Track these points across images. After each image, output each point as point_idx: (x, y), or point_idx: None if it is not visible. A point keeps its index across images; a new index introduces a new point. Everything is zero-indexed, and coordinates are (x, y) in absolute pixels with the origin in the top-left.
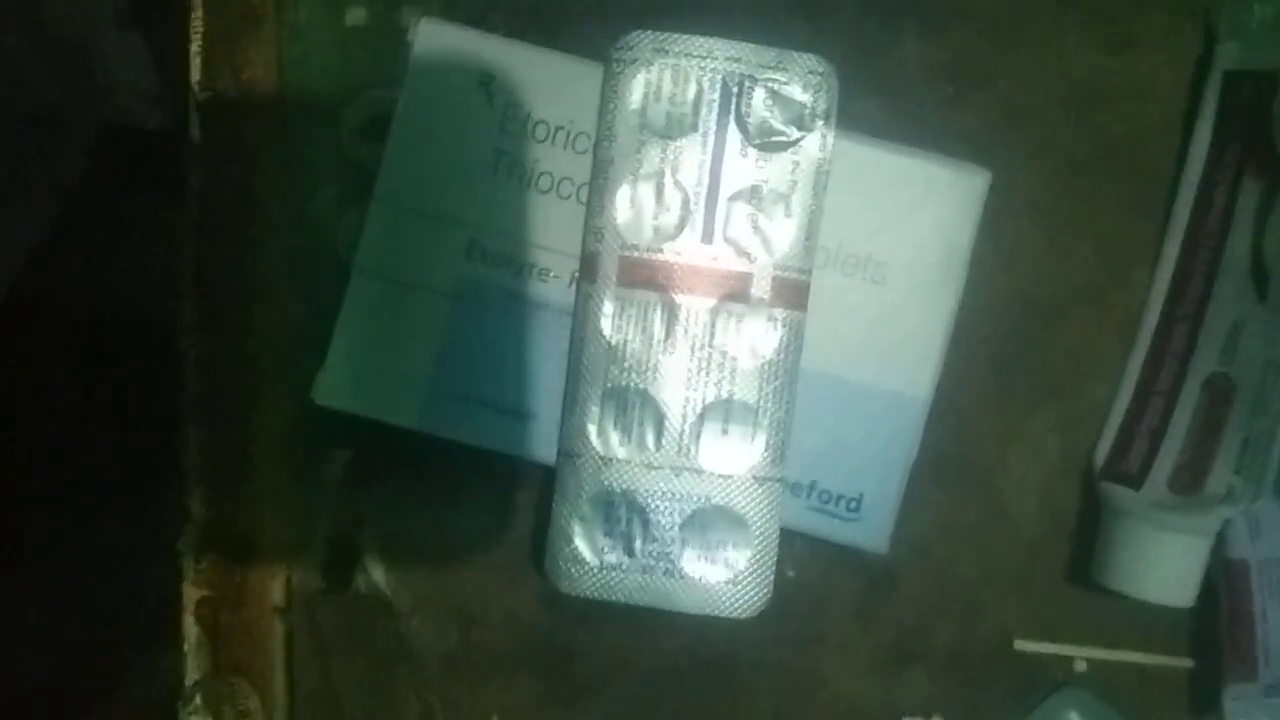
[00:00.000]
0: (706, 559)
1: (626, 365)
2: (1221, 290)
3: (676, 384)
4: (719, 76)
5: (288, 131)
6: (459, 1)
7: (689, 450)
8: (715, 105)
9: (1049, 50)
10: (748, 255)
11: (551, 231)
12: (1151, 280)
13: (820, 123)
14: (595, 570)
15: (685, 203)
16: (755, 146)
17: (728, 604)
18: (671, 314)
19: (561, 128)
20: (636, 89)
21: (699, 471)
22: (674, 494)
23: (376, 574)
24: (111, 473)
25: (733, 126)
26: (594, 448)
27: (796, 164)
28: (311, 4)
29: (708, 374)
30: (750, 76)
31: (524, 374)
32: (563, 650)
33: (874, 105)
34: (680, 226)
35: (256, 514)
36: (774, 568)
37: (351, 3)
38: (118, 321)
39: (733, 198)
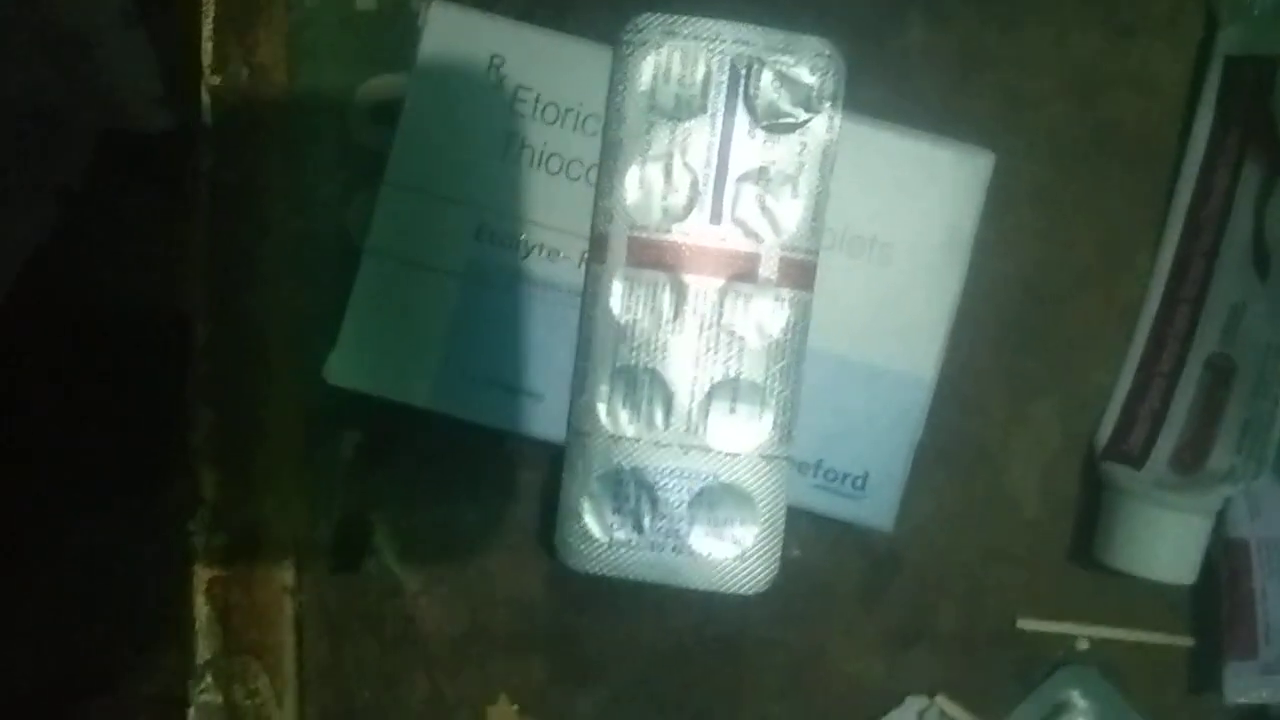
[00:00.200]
0: (714, 536)
1: (635, 344)
2: (1223, 272)
3: (685, 363)
4: (727, 59)
5: (298, 115)
6: None
7: (697, 428)
8: (724, 87)
9: (1052, 36)
10: (755, 236)
11: (561, 212)
12: (1153, 263)
13: (827, 105)
14: (604, 547)
15: (694, 184)
16: (763, 128)
17: (735, 580)
18: (680, 294)
19: (571, 110)
20: (645, 71)
21: (707, 449)
22: (682, 471)
23: (386, 555)
24: (111, 472)
25: (741, 108)
26: (603, 426)
27: (804, 145)
28: None
29: (716, 353)
30: (758, 59)
31: (533, 354)
32: (570, 630)
33: (878, 91)
34: (689, 207)
35: (267, 495)
36: (781, 544)
37: None
38: (118, 321)
39: (741, 179)
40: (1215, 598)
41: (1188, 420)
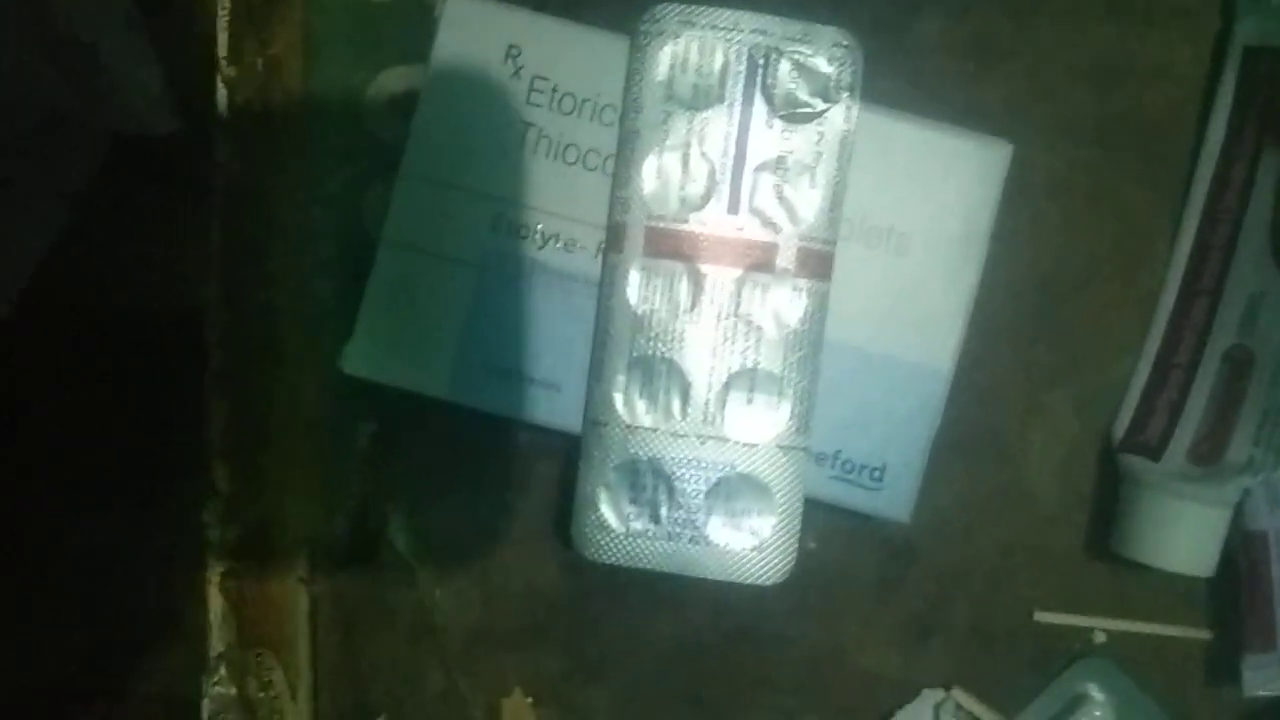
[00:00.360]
0: (732, 526)
1: (652, 334)
2: (1240, 263)
3: (702, 353)
4: (745, 49)
5: (313, 107)
6: None
7: (714, 419)
8: (741, 77)
9: (1069, 27)
10: (773, 226)
11: (578, 203)
12: (1171, 254)
13: (845, 95)
14: (621, 537)
15: (711, 173)
16: (781, 118)
17: (752, 571)
18: (697, 284)
19: (588, 100)
20: (663, 61)
21: (724, 440)
22: (699, 462)
23: (400, 547)
24: (118, 470)
25: (758, 98)
26: (620, 416)
27: (821, 135)
28: None
29: (733, 343)
30: (776, 49)
31: (550, 344)
32: (585, 622)
33: (896, 82)
34: (706, 197)
35: (281, 487)
36: (798, 535)
37: None
38: (120, 323)
39: (758, 169)
40: (1234, 590)
41: (1206, 412)
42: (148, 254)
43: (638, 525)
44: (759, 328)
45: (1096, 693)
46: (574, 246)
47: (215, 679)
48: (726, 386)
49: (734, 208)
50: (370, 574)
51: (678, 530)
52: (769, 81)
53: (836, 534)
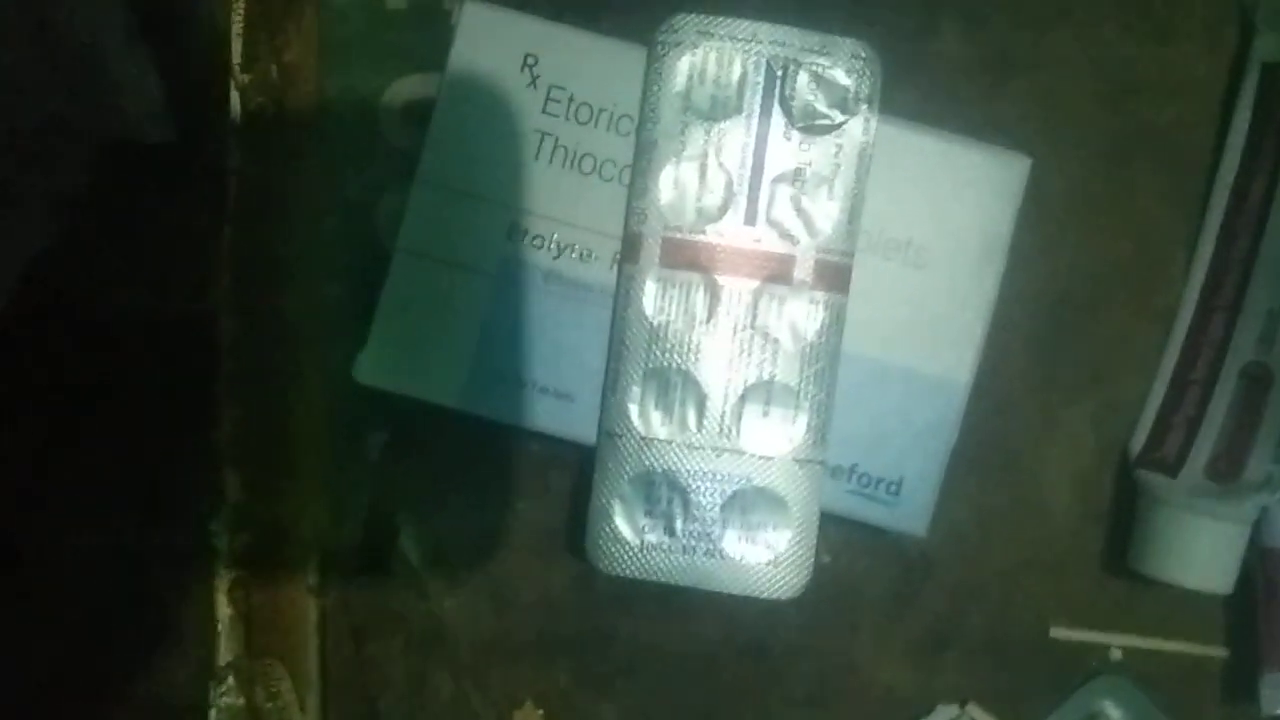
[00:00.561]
0: (747, 540)
1: (668, 346)
2: (1259, 279)
3: (718, 365)
4: (763, 59)
5: (327, 115)
6: None
7: (730, 431)
8: (759, 88)
9: (1087, 41)
10: (790, 237)
11: (594, 212)
12: (1189, 270)
13: (864, 106)
14: (635, 550)
15: (729, 185)
16: (799, 129)
17: (768, 585)
18: (714, 295)
19: (605, 110)
20: (681, 71)
21: (740, 452)
22: (715, 474)
23: (411, 557)
24: (120, 480)
25: (777, 109)
26: (635, 427)
27: (840, 147)
28: None
29: (749, 355)
30: (794, 60)
31: (565, 354)
32: (597, 634)
33: (914, 95)
34: (723, 208)
35: (291, 496)
36: (814, 549)
37: None
38: (133, 329)
39: (776, 180)
40: (1251, 608)
41: (1223, 428)
42: (161, 260)
43: (652, 538)
44: (775, 340)
45: (1112, 710)
46: (589, 256)
47: (223, 688)
48: (742, 399)
49: (751, 219)
50: (380, 584)
51: (693, 543)
52: (787, 93)
53: (851, 547)
